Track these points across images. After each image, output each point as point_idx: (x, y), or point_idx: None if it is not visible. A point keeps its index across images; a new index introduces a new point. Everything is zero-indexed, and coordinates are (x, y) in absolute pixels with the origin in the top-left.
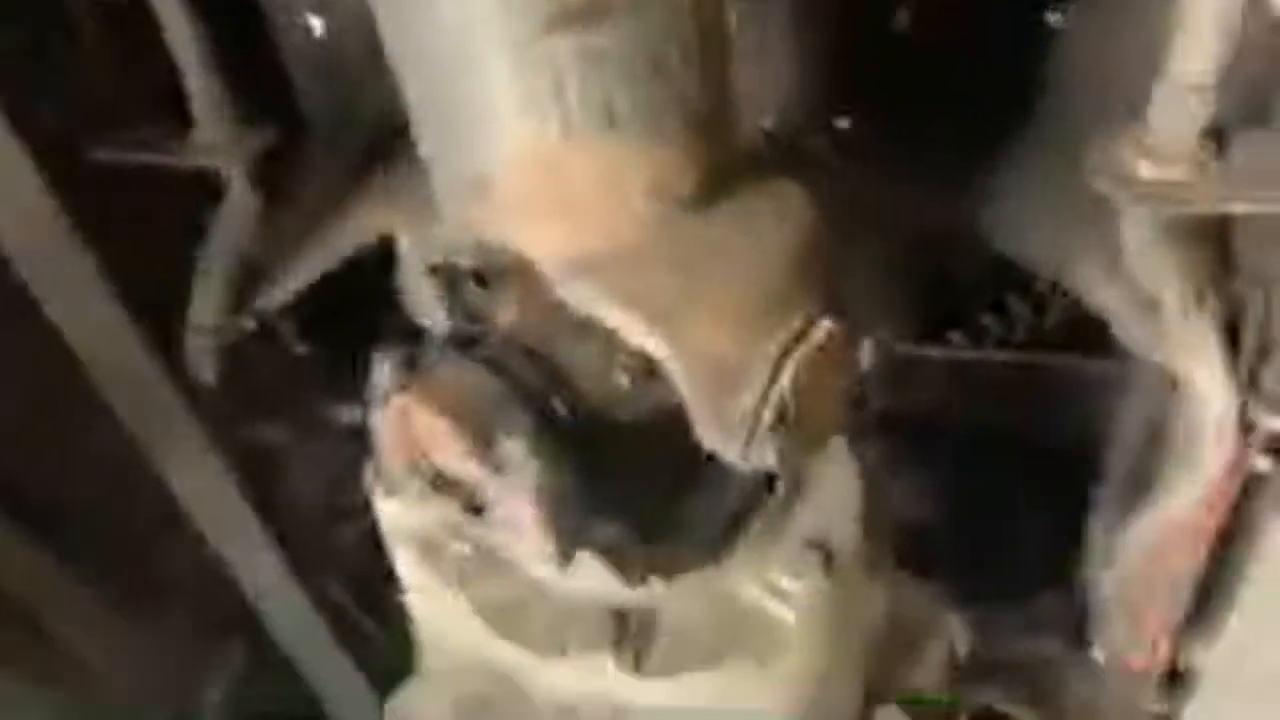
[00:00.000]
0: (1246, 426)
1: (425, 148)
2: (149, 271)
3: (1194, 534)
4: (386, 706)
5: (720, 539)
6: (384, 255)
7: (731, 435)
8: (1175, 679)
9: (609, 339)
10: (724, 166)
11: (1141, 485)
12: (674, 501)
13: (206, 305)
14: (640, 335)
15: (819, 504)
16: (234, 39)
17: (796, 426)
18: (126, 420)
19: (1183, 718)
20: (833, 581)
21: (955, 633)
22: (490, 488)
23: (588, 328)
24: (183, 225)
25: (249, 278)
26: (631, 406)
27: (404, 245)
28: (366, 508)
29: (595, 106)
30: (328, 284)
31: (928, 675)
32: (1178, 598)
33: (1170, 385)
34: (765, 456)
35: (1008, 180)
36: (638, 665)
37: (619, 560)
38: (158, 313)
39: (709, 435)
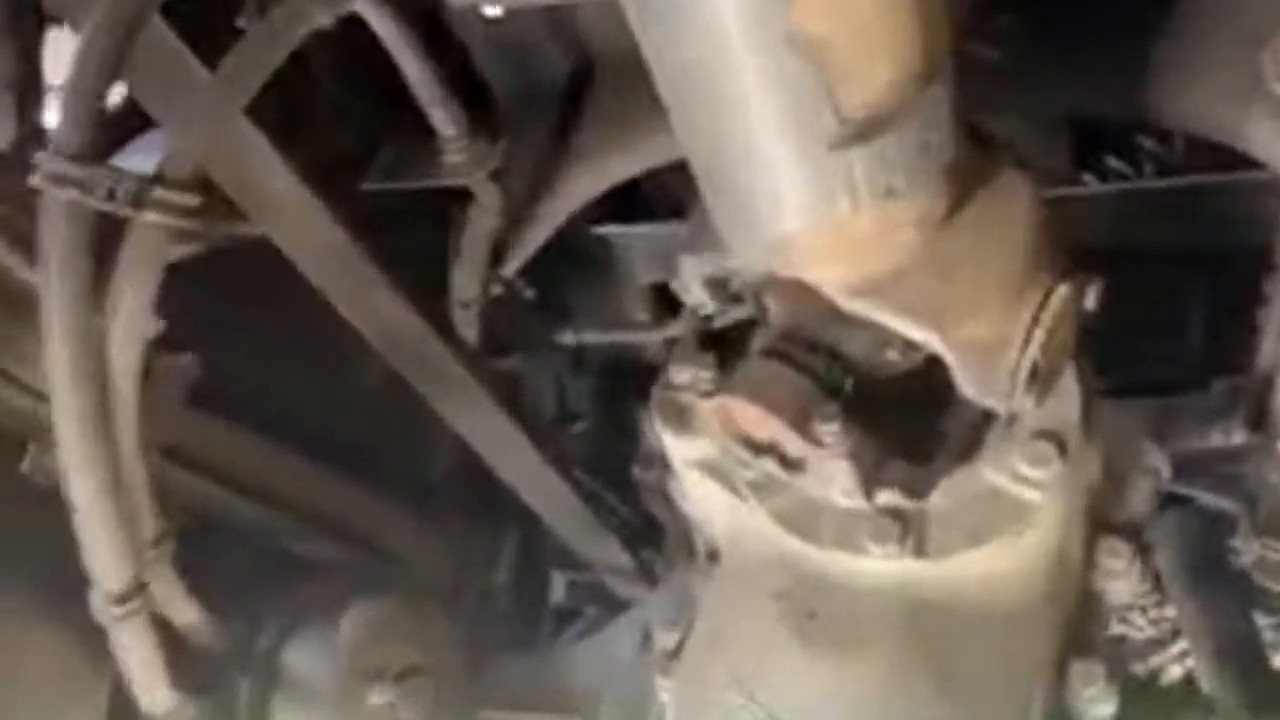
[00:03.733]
0: None
1: (715, 210)
2: (414, 264)
3: None
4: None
5: (970, 443)
6: None
7: (996, 395)
8: None
9: (880, 328)
10: (966, 182)
11: None
12: (931, 423)
13: (465, 282)
14: (914, 334)
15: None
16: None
17: (1045, 374)
18: (412, 380)
19: None
20: (1067, 463)
21: (1158, 463)
22: (807, 454)
23: (860, 321)
24: (435, 221)
25: (495, 253)
26: (899, 369)
27: (684, 261)
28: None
29: (879, 189)
30: None
31: (1139, 507)
32: None
33: None
34: (1024, 404)
35: (1178, 60)
36: (920, 552)
37: (909, 486)
38: (427, 294)
39: (976, 397)
